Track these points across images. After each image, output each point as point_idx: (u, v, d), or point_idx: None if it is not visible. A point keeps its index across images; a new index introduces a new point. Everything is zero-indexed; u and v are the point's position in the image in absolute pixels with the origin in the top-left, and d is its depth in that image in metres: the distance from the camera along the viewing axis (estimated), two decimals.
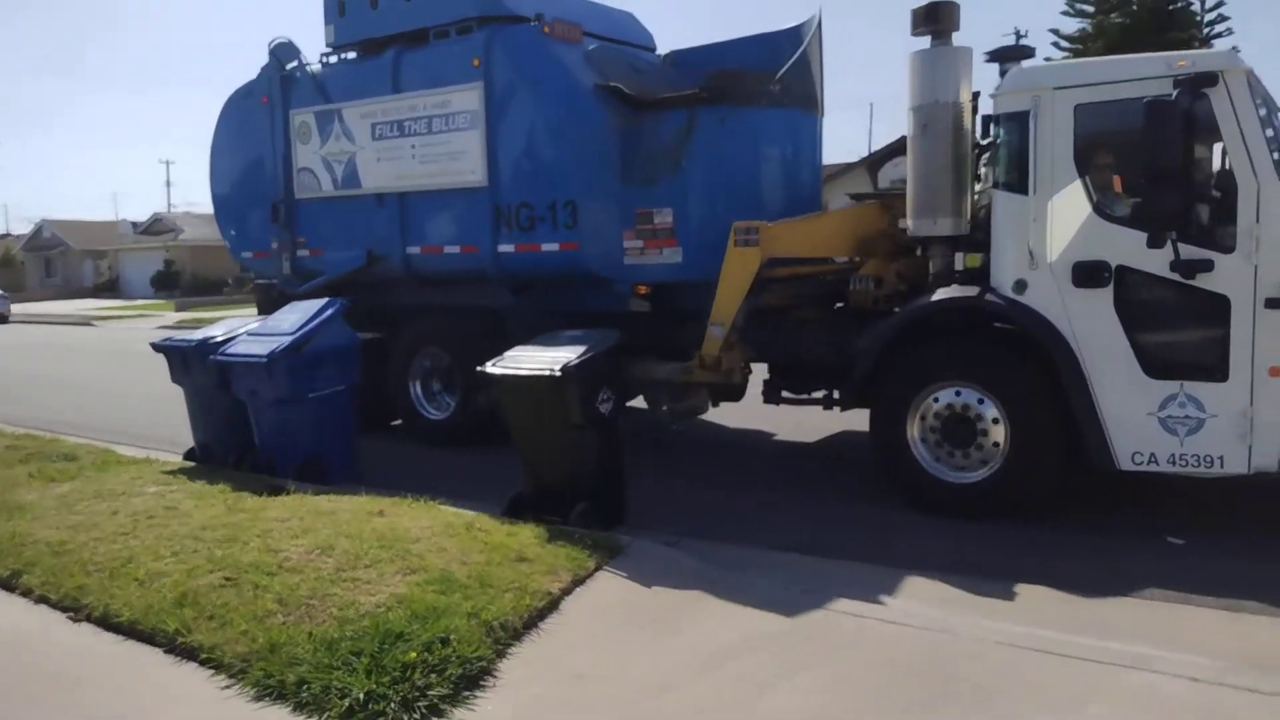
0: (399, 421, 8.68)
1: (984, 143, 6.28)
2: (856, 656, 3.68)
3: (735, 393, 7.49)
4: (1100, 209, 5.32)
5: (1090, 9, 24.51)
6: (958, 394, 5.66)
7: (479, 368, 5.73)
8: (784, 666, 3.60)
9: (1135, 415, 5.20)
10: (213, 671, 3.51)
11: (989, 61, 6.23)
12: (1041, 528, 5.43)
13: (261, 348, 6.60)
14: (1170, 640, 3.82)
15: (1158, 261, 5.07)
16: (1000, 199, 5.66)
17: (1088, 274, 5.27)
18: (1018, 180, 5.52)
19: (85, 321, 30.40)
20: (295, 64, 8.81)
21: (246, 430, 6.95)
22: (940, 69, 6.13)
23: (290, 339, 6.59)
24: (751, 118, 7.05)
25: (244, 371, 6.70)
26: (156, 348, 7.48)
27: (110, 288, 49.73)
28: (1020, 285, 5.51)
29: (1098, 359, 5.27)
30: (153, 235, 49.28)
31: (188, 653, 3.65)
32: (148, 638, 3.81)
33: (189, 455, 7.37)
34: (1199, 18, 23.36)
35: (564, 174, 7.26)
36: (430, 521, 4.98)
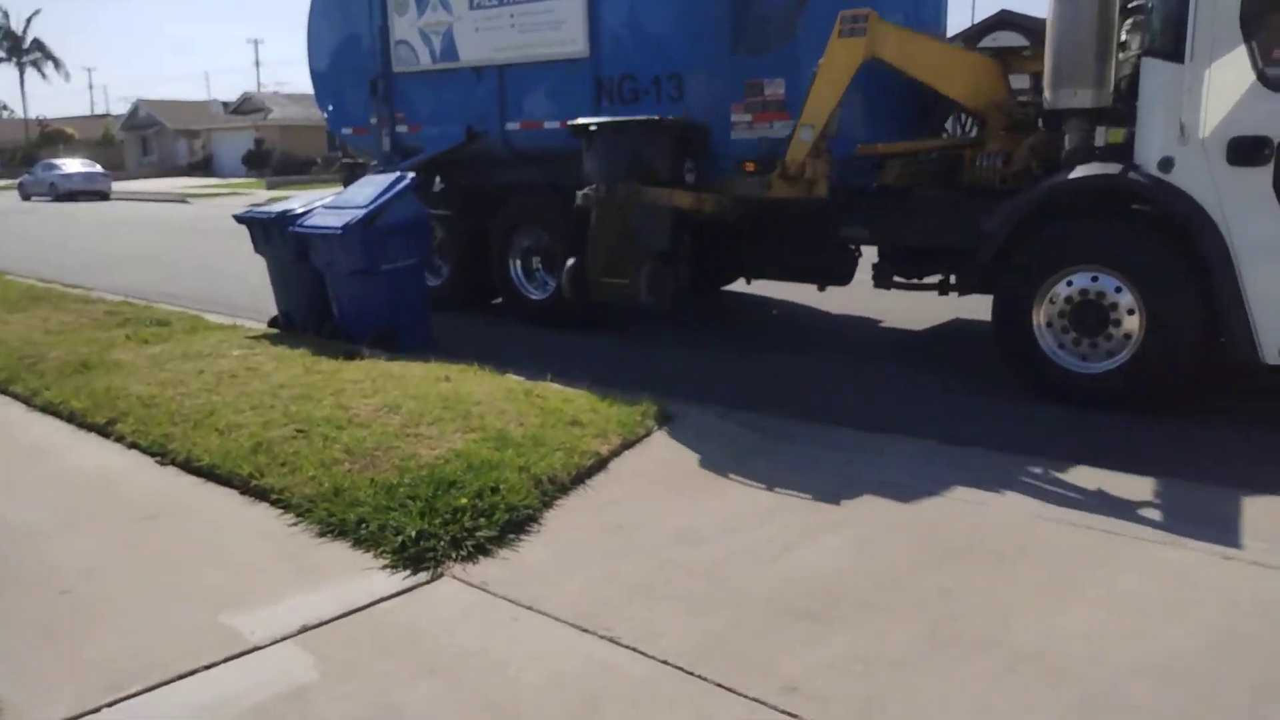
0: (500, 300, 9.24)
1: (1132, 5, 6.08)
2: (885, 522, 4.03)
3: (842, 277, 7.61)
4: (1266, 77, 5.13)
5: None
6: (1094, 279, 5.70)
7: None
8: (811, 527, 3.98)
9: None
10: (281, 511, 4.08)
11: None
12: (1156, 421, 5.52)
13: (336, 220, 7.23)
14: (1231, 525, 3.95)
15: None
16: (1150, 67, 5.52)
17: (1246, 151, 5.14)
18: (1172, 46, 5.36)
19: (180, 199, 32.60)
20: None
21: (325, 299, 7.68)
22: None
23: (363, 212, 7.18)
24: None
25: (320, 243, 7.38)
26: (239, 219, 8.28)
27: (203, 166, 52.79)
28: (1167, 163, 5.41)
29: (1249, 245, 5.19)
30: (242, 115, 51.91)
31: (260, 494, 4.24)
32: (225, 480, 4.43)
33: (272, 323, 8.19)
34: None
35: (670, 43, 7.42)
36: (493, 387, 5.53)
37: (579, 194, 7.04)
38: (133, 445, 4.97)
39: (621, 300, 7.03)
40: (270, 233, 7.91)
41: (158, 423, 5.05)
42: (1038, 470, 4.60)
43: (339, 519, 3.84)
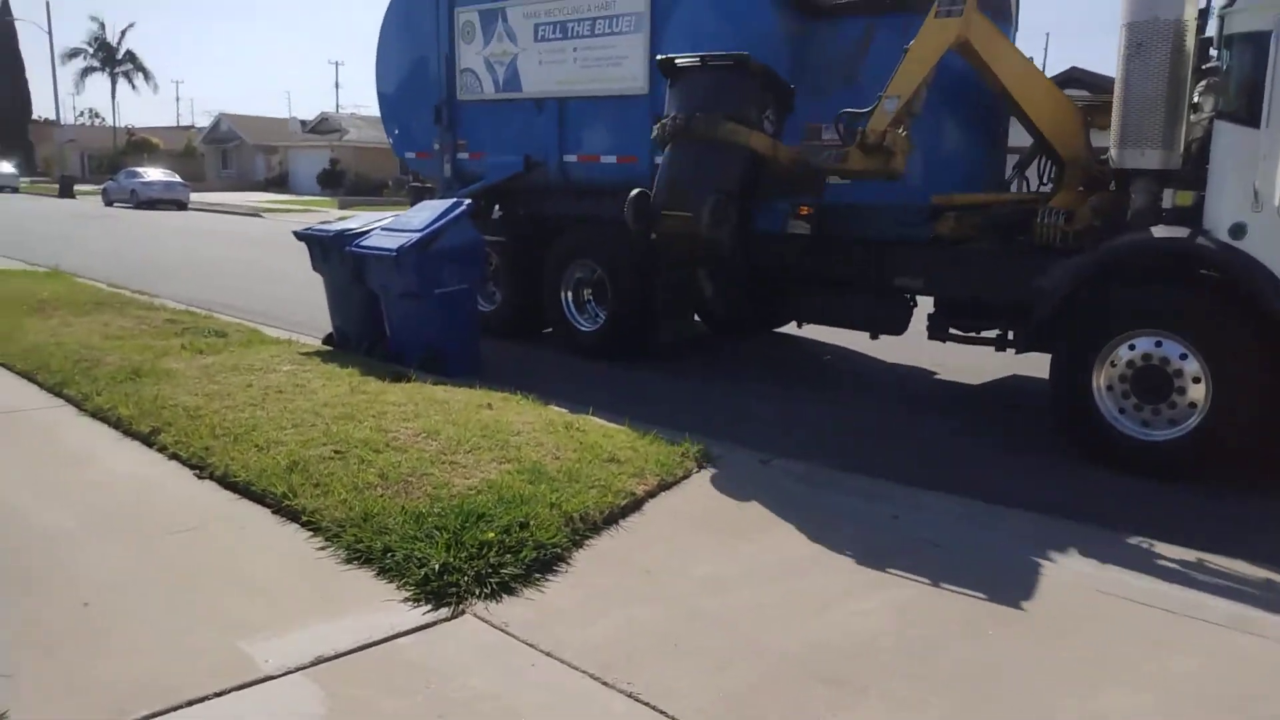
0: (550, 330, 9.21)
1: (1206, 67, 5.89)
2: (927, 584, 3.83)
3: (896, 326, 7.44)
4: None
5: None
6: (1158, 344, 5.49)
7: None
8: (849, 585, 3.80)
9: None
10: (311, 533, 4.01)
11: None
12: (1219, 493, 5.29)
13: (392, 242, 7.24)
14: None
15: None
16: (1224, 131, 5.33)
17: None
18: (1247, 110, 5.19)
19: (255, 212, 33.28)
20: None
21: (379, 320, 7.69)
22: None
23: (419, 235, 7.19)
24: None
25: (375, 264, 7.40)
26: (299, 236, 8.34)
27: (280, 182, 53.94)
28: (1239, 230, 5.21)
29: None
30: (319, 134, 53.00)
31: (291, 514, 4.17)
32: (258, 498, 4.38)
33: (327, 340, 8.23)
34: None
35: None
36: (534, 418, 5.44)
37: (655, 125, 6.89)
38: (173, 456, 4.95)
39: (681, 237, 6.73)
40: (328, 251, 7.95)
41: (200, 435, 5.04)
42: (1091, 539, 4.38)
43: (366, 546, 3.76)
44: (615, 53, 8.04)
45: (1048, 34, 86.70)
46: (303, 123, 55.99)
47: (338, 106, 63.60)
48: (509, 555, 3.66)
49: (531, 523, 3.88)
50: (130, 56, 58.85)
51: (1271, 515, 5.02)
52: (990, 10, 7.08)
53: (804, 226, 7.44)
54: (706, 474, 4.97)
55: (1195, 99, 5.97)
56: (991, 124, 7.53)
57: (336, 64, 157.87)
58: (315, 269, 8.27)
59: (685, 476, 4.85)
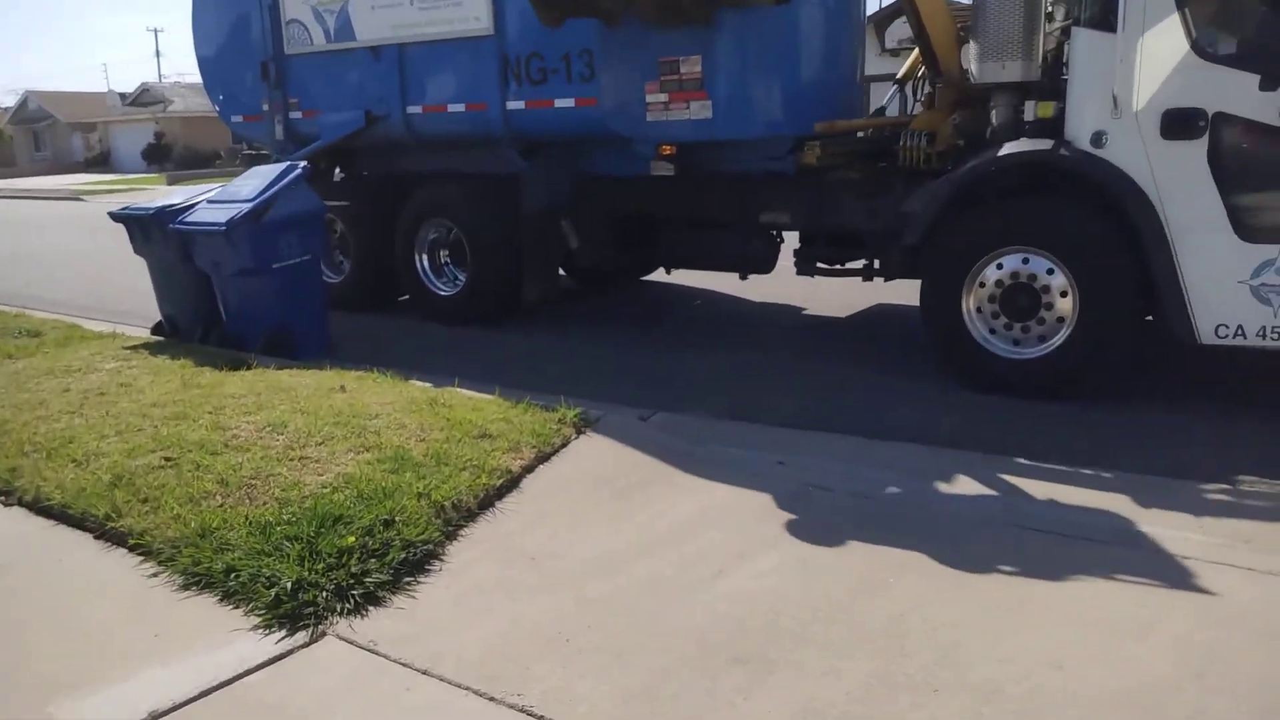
0: (405, 297, 8.70)
1: None
2: (825, 534, 3.66)
3: (764, 265, 7.28)
4: (1200, 47, 4.90)
5: None
6: (1025, 261, 5.44)
7: None
8: (744, 545, 3.60)
9: (1224, 283, 4.94)
10: (141, 558, 3.51)
11: None
12: (1087, 407, 5.31)
13: (221, 215, 6.60)
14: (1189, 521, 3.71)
15: (1265, 107, 4.70)
16: (1081, 38, 5.26)
17: (1180, 123, 4.91)
18: (1102, 15, 5.12)
19: (75, 196, 30.79)
20: None
21: (212, 302, 7.04)
22: None
23: (250, 205, 6.57)
24: None
25: (204, 241, 6.74)
26: (115, 217, 7.53)
27: (101, 161, 50.31)
28: (1099, 137, 5.16)
29: (1184, 221, 4.98)
30: (142, 106, 49.67)
31: (117, 538, 3.65)
32: (78, 522, 3.82)
33: (156, 329, 7.51)
34: None
35: None
36: (394, 397, 5.00)
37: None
38: None
39: None
40: (149, 231, 7.20)
41: (5, 454, 4.40)
42: (978, 468, 4.29)
43: (205, 568, 3.28)
44: None
45: None
46: (122, 96, 52.17)
47: (160, 76, 59.67)
48: (373, 560, 3.27)
49: (397, 519, 3.49)
50: None
51: (1141, 424, 5.05)
52: None
53: (667, 167, 7.19)
54: (586, 439, 4.66)
55: (1049, 8, 5.90)
56: (849, 52, 7.38)
57: (156, 31, 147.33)
58: (137, 252, 7.48)
59: (564, 445, 4.53)
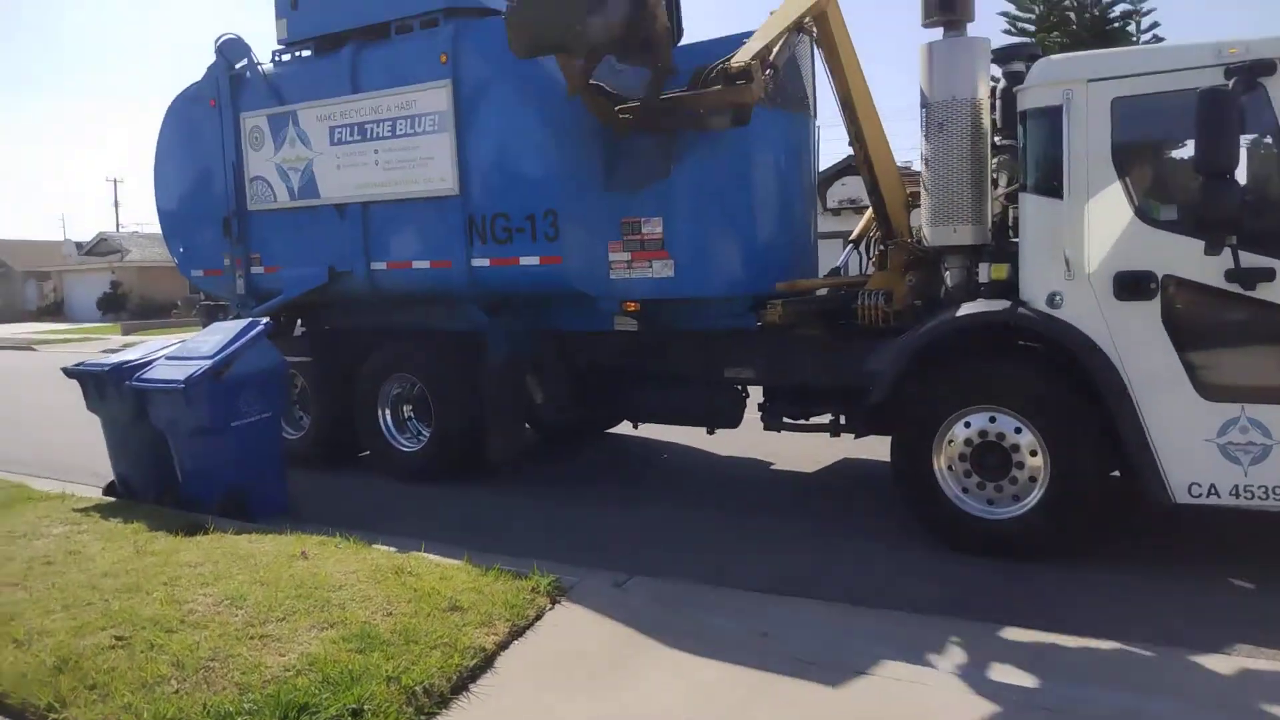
0: (367, 453, 8.52)
1: (1001, 142, 6.11)
2: (814, 714, 3.49)
3: (730, 419, 7.26)
4: (1144, 213, 5.12)
5: (1032, 28, 25.38)
6: (992, 420, 5.46)
7: None
8: None
9: (1191, 442, 4.97)
10: None
11: (993, 62, 6.15)
12: (1068, 567, 5.24)
13: (179, 372, 6.49)
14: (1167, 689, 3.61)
15: (1212, 270, 4.86)
16: (1029, 203, 5.46)
17: (1131, 286, 5.06)
18: (1048, 182, 5.33)
19: (26, 346, 30.27)
20: (245, 63, 8.66)
21: (168, 462, 6.82)
22: (956, 62, 6.00)
23: (210, 362, 6.48)
24: None
25: (161, 398, 6.58)
26: (69, 373, 7.36)
27: (55, 311, 49.85)
28: (1054, 299, 5.29)
29: (1146, 380, 5.06)
30: (98, 256, 49.64)
31: None
32: (17, 714, 3.54)
33: (108, 490, 7.27)
34: (1134, 38, 24.19)
35: (543, 180, 7.11)
36: (357, 565, 4.82)
37: None
38: None
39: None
40: (104, 388, 7.04)
41: None
42: (964, 637, 4.17)
43: None
44: (421, 153, 7.61)
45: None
46: (79, 245, 52.18)
47: (118, 226, 59.50)
48: None
49: (366, 708, 3.28)
50: None
51: (1124, 584, 4.99)
52: (789, 105, 7.21)
53: (631, 323, 7.27)
54: (561, 609, 4.48)
55: (994, 174, 6.16)
56: (803, 212, 7.63)
57: (115, 181, 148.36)
58: (90, 409, 7.28)
59: (538, 617, 4.34)
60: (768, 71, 6.10)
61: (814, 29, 6.55)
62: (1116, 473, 5.49)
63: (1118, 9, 25.20)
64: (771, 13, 6.46)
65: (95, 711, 3.37)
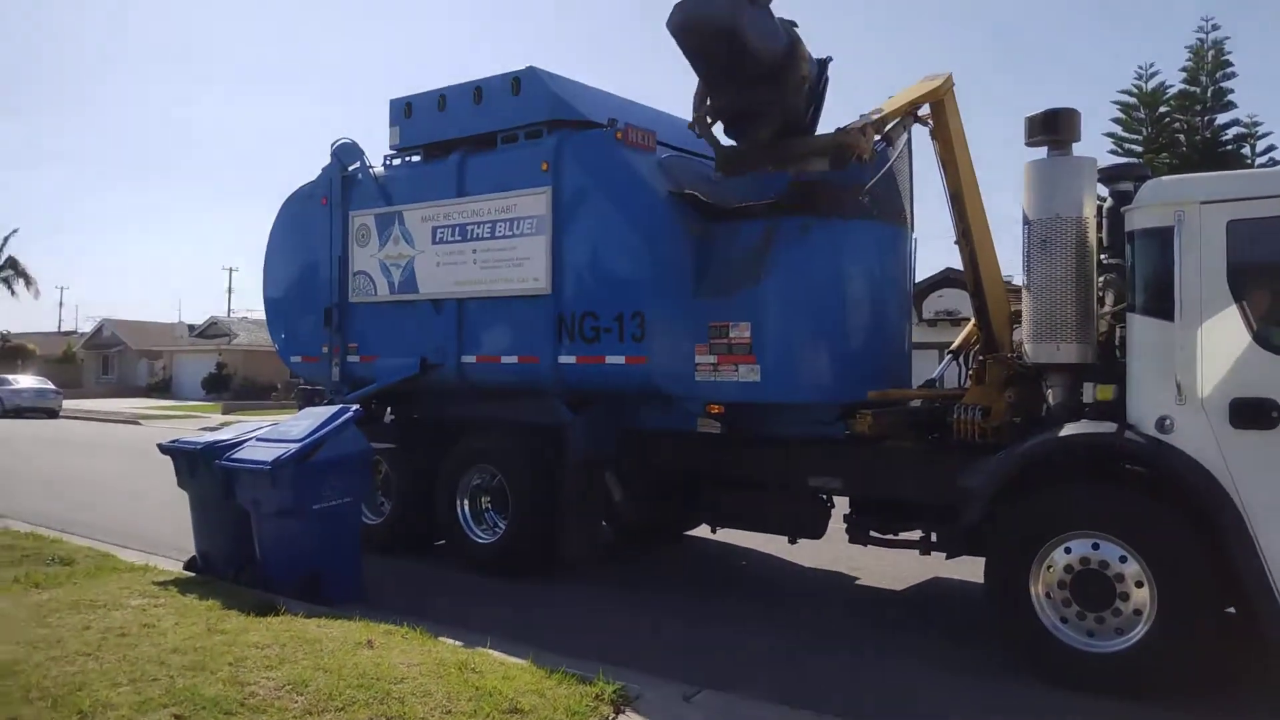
0: (443, 542, 8.48)
1: (1107, 261, 5.90)
2: None
3: (813, 530, 6.99)
4: (1262, 338, 4.83)
5: (1139, 149, 24.65)
6: (1095, 547, 5.12)
7: None
8: None
9: None
10: None
11: (1100, 181, 6.01)
12: (1182, 706, 4.82)
13: (268, 454, 6.56)
14: None
15: None
16: (1138, 324, 5.23)
17: (1250, 413, 4.76)
18: (1158, 304, 5.10)
19: (133, 420, 31.53)
20: (357, 165, 9.05)
21: (249, 541, 6.86)
22: (1061, 180, 5.88)
23: (298, 446, 6.54)
24: (836, 229, 6.87)
25: (248, 478, 6.66)
26: (164, 449, 7.51)
27: (163, 388, 52.02)
28: (1165, 423, 4.99)
29: (1266, 513, 4.70)
30: (208, 338, 51.94)
31: None
32: None
33: (189, 565, 7.32)
34: (1249, 160, 23.23)
35: (633, 283, 7.17)
36: (422, 658, 4.69)
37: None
38: None
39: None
40: (195, 465, 7.16)
41: (9, 700, 4.08)
42: None
43: None
44: (517, 254, 7.78)
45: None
46: (191, 327, 54.74)
47: (229, 311, 62.26)
48: None
49: None
50: (11, 263, 56.88)
51: None
52: (886, 217, 7.15)
53: (715, 425, 7.14)
54: None
55: (1100, 292, 5.93)
56: (897, 322, 7.48)
57: (230, 270, 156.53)
58: (180, 485, 7.41)
59: None
60: (871, 150, 6.37)
61: (930, 120, 6.69)
62: (1232, 609, 5.07)
63: (1231, 131, 24.62)
64: (890, 97, 6.69)
65: None
